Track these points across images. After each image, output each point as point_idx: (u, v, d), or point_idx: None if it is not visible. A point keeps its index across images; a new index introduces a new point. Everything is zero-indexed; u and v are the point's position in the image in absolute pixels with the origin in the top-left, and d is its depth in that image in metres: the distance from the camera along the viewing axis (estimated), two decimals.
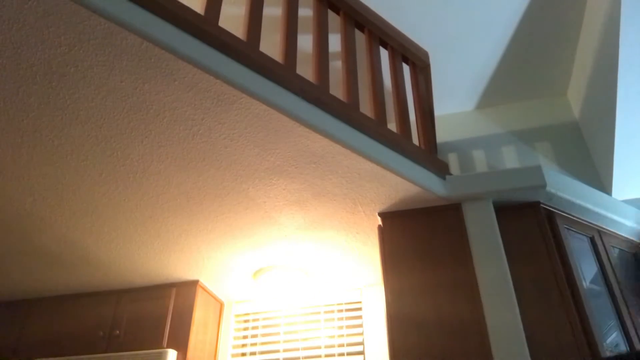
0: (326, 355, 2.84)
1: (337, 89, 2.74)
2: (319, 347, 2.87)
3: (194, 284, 2.85)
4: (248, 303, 3.12)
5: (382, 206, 2.25)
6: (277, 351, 2.93)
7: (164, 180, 2.10)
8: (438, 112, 3.31)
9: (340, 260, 2.68)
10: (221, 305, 3.11)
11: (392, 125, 2.89)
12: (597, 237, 2.29)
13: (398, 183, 2.10)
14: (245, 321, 3.09)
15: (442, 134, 3.23)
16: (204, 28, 1.67)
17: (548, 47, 2.92)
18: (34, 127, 1.85)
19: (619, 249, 2.38)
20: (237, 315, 3.10)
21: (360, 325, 2.87)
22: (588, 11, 2.66)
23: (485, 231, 2.09)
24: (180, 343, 2.66)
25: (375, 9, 2.47)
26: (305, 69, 2.55)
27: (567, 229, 2.20)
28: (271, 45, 2.61)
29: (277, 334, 2.99)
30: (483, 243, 2.06)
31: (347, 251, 2.59)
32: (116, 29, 1.52)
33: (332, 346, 2.85)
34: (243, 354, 2.98)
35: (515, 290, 1.96)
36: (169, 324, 2.73)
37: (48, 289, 2.95)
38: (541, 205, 2.18)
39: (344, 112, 1.98)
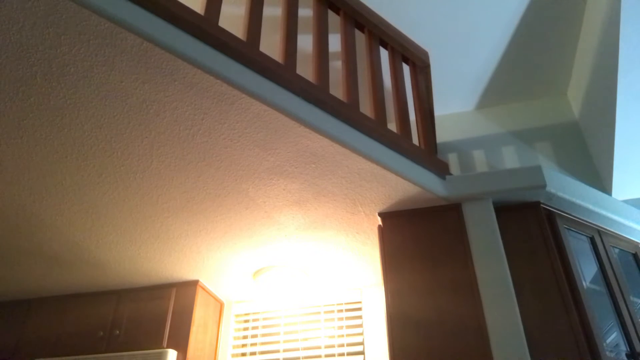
0: (326, 355, 2.84)
1: (337, 89, 2.74)
2: (319, 347, 2.87)
3: (194, 284, 2.85)
4: (248, 303, 3.12)
5: (382, 206, 2.25)
6: (277, 351, 2.93)
7: (164, 180, 2.10)
8: (438, 112, 3.31)
9: (340, 261, 2.68)
10: (221, 305, 3.11)
11: (392, 125, 2.89)
12: (597, 237, 2.29)
13: (398, 183, 2.10)
14: (245, 321, 3.09)
15: (442, 134, 3.23)
16: (204, 28, 1.67)
17: (548, 47, 2.92)
18: (34, 127, 1.85)
19: (619, 249, 2.38)
20: (237, 315, 3.10)
21: (360, 325, 2.87)
22: (588, 11, 2.66)
23: (485, 231, 2.09)
24: (180, 343, 2.66)
25: (375, 9, 2.47)
26: (305, 69, 2.55)
27: (567, 229, 2.20)
28: (271, 45, 2.62)
29: (277, 334, 2.99)
30: (483, 243, 2.06)
31: (347, 251, 2.59)
32: (116, 29, 1.52)
33: (332, 346, 2.85)
34: (243, 354, 2.98)
35: (515, 290, 1.96)
36: (169, 324, 2.73)
37: (48, 289, 2.95)
38: (541, 205, 2.18)
39: (344, 112, 1.98)
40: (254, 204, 2.24)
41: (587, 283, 2.07)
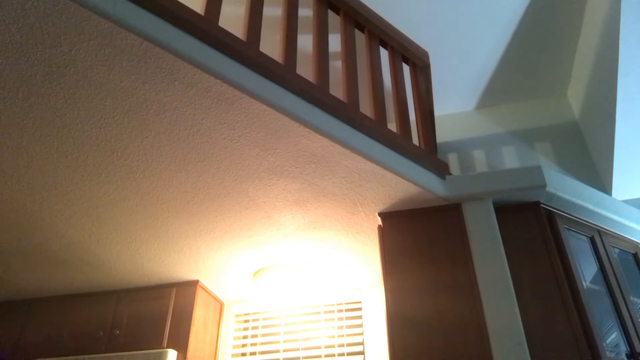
0: (326, 355, 2.84)
1: (337, 89, 2.74)
2: (319, 347, 2.87)
3: (194, 284, 2.85)
4: (248, 303, 3.12)
5: (382, 206, 2.25)
6: (277, 351, 2.93)
7: (164, 180, 2.10)
8: (438, 112, 3.31)
9: (340, 261, 2.68)
10: (221, 305, 3.11)
11: (392, 125, 2.89)
12: (597, 237, 2.29)
13: (398, 183, 2.10)
14: (245, 321, 3.09)
15: (442, 134, 3.23)
16: (204, 28, 1.67)
17: (548, 47, 2.92)
18: (33, 127, 1.85)
19: (619, 249, 2.38)
20: (237, 315, 3.10)
21: (360, 325, 2.87)
22: (588, 11, 2.66)
23: (485, 231, 2.08)
24: (180, 343, 2.66)
25: (375, 9, 2.47)
26: (305, 69, 2.54)
27: (567, 229, 2.20)
28: (271, 45, 2.62)
29: (277, 334, 2.99)
30: (483, 243, 2.06)
31: (347, 251, 2.59)
32: (116, 29, 1.52)
33: (332, 346, 2.85)
34: (243, 354, 2.98)
35: (515, 290, 1.96)
36: (169, 324, 2.73)
37: (48, 289, 2.95)
38: (541, 205, 2.18)
39: (344, 112, 1.98)
40: (254, 204, 2.24)
41: (587, 283, 2.07)
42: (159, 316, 2.76)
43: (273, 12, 2.74)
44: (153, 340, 2.68)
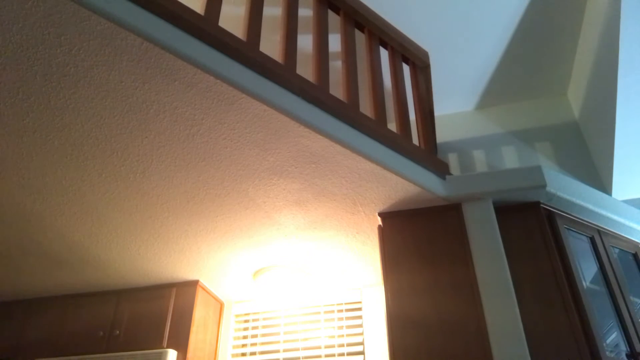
0: (326, 355, 2.84)
1: (337, 89, 2.74)
2: (319, 347, 2.87)
3: (194, 284, 2.85)
4: (248, 303, 3.12)
5: (382, 206, 2.25)
6: (277, 351, 2.93)
7: (164, 180, 2.10)
8: (438, 112, 3.31)
9: (340, 261, 2.68)
10: (221, 305, 3.11)
11: (392, 125, 2.89)
12: (597, 237, 2.29)
13: (398, 183, 2.10)
14: (245, 321, 3.09)
15: (442, 134, 3.23)
16: (204, 28, 1.67)
17: (548, 47, 2.92)
18: (34, 127, 1.85)
19: (619, 249, 2.38)
20: (237, 315, 3.10)
21: (360, 325, 2.87)
22: (588, 11, 2.66)
23: (485, 231, 2.08)
24: (180, 343, 2.66)
25: (375, 9, 2.47)
26: (305, 69, 2.55)
27: (567, 229, 2.20)
28: (271, 45, 2.62)
29: (277, 334, 2.99)
30: (483, 243, 2.06)
31: (347, 251, 2.59)
32: (116, 29, 1.52)
33: (332, 346, 2.85)
34: (243, 354, 2.98)
35: (515, 290, 1.96)
36: (169, 324, 2.73)
37: (48, 289, 2.95)
38: (541, 205, 2.18)
39: (344, 112, 1.98)
40: (254, 204, 2.24)
41: (587, 283, 2.07)
42: (159, 316, 2.76)
43: (273, 12, 2.74)
44: (153, 340, 2.68)
